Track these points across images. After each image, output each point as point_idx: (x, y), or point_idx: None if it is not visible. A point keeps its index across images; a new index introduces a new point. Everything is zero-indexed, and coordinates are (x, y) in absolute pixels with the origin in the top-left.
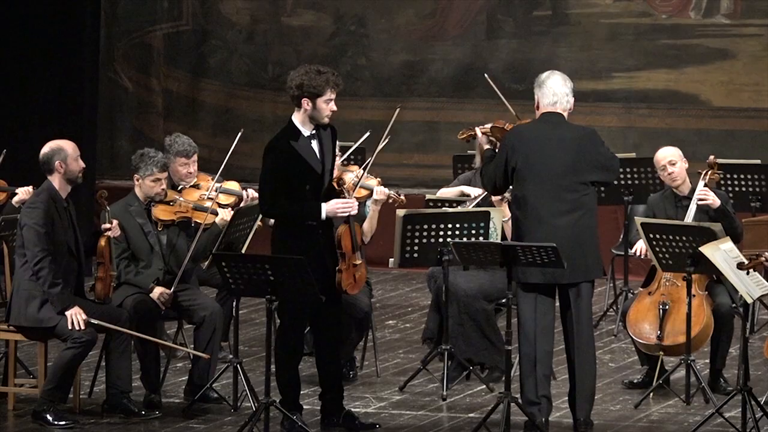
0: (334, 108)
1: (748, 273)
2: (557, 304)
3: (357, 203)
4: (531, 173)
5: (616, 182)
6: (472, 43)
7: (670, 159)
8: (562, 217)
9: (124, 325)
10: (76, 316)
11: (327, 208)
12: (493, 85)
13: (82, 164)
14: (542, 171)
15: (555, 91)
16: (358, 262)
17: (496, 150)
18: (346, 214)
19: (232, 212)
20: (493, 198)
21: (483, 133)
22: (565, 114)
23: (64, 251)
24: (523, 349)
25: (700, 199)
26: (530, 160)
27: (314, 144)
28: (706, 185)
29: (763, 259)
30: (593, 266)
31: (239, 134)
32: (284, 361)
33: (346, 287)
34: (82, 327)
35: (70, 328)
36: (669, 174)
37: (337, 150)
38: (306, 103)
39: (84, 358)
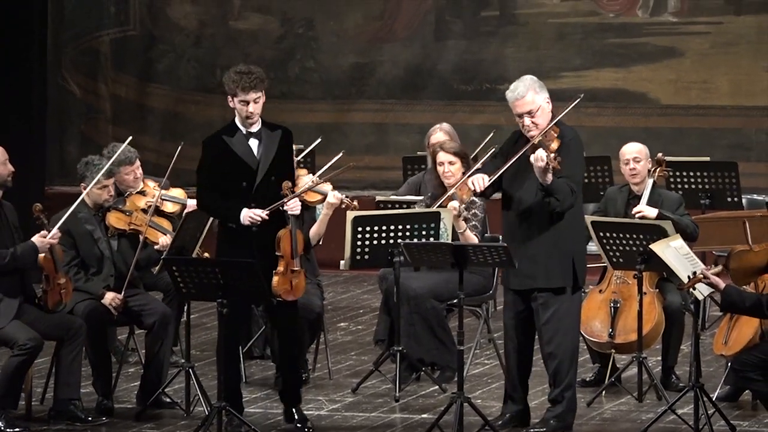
0: (252, 109)
1: (689, 292)
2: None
3: (296, 206)
4: None
5: None
6: (420, 44)
7: (635, 156)
8: None
9: (78, 332)
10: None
11: (243, 213)
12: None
13: (10, 168)
14: None
15: None
16: (296, 268)
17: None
18: (256, 223)
19: (182, 218)
20: (450, 207)
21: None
22: None
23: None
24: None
25: (640, 217)
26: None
27: (252, 141)
28: (655, 182)
29: (701, 276)
30: None
31: (179, 147)
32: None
33: (279, 291)
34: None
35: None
36: (631, 169)
37: (295, 153)
38: (230, 102)
39: (30, 364)
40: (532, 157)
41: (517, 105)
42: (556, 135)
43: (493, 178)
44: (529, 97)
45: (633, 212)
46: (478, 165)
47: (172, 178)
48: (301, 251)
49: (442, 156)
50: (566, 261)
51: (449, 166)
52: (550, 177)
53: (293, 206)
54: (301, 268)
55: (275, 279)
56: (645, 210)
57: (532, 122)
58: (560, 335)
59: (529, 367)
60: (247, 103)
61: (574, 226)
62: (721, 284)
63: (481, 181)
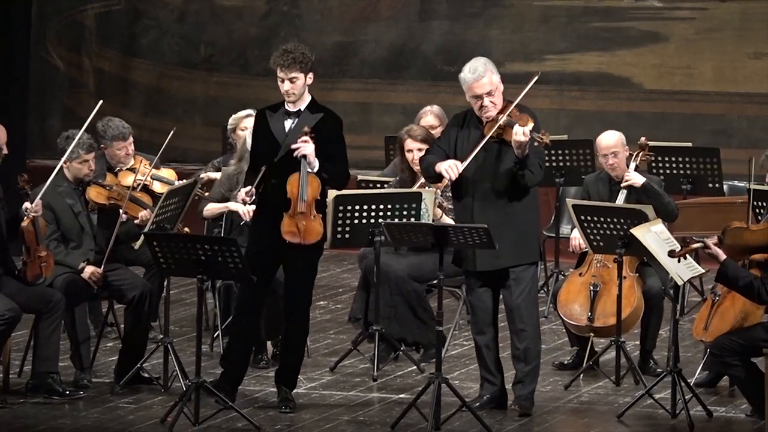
0: (287, 88)
1: (679, 260)
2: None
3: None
4: None
5: (548, 164)
6: (404, 24)
7: (613, 150)
8: None
9: (57, 305)
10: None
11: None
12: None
13: (4, 151)
14: None
15: None
16: (303, 211)
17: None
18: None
19: (164, 193)
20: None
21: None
22: None
23: None
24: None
25: (625, 181)
26: None
27: (287, 121)
28: (637, 167)
29: (696, 245)
30: None
31: (171, 133)
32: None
33: (284, 233)
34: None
35: None
36: (610, 164)
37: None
38: None
39: (8, 336)
40: (516, 131)
41: (477, 86)
42: (518, 113)
43: (465, 164)
44: (488, 77)
45: (622, 184)
46: (423, 153)
47: (153, 152)
48: (313, 196)
49: (410, 143)
50: (533, 237)
51: (418, 153)
52: (527, 151)
53: (302, 147)
54: (316, 213)
55: (282, 221)
56: (633, 176)
57: (491, 102)
58: (529, 311)
59: (497, 347)
60: (283, 80)
61: (534, 203)
62: (722, 255)
63: (455, 168)
